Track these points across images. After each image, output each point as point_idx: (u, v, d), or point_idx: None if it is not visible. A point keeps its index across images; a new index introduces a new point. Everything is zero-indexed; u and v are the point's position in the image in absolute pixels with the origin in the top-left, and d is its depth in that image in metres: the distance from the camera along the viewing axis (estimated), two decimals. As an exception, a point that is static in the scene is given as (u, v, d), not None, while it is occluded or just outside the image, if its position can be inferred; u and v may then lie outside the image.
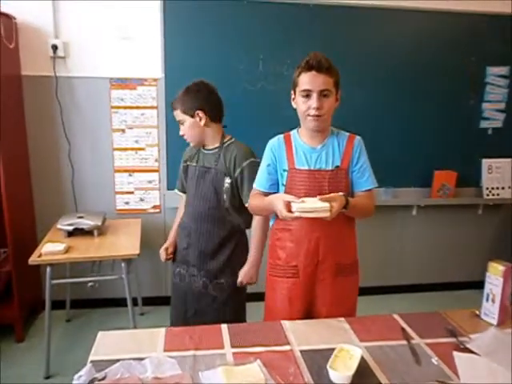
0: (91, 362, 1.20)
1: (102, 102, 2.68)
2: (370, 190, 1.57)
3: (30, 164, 2.70)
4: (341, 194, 1.40)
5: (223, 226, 1.82)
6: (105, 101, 2.68)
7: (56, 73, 2.58)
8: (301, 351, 1.29)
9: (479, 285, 3.29)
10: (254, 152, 1.83)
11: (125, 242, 2.30)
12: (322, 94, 1.45)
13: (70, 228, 2.29)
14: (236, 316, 1.85)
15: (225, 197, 1.80)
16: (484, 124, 3.13)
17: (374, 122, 2.97)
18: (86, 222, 2.31)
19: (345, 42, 2.83)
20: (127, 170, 2.80)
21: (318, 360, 1.23)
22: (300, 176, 1.53)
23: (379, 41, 2.90)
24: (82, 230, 2.30)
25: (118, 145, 2.75)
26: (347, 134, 1.60)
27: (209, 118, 1.81)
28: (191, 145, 1.92)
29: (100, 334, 1.36)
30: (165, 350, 1.27)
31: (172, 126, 2.77)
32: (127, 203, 2.84)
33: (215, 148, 1.84)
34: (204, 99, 1.80)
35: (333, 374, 1.13)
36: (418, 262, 3.34)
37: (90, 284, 2.16)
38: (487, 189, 3.19)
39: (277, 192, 1.58)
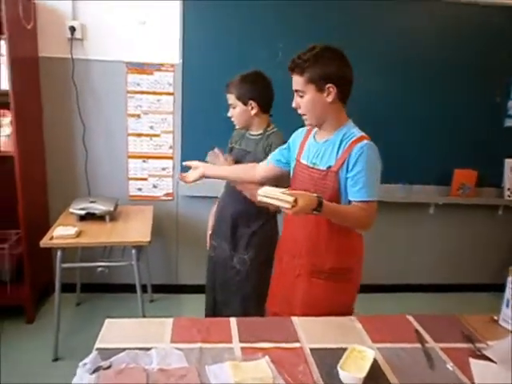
0: (97, 349, 1.19)
1: (118, 86, 2.65)
2: (364, 201, 1.40)
3: (45, 146, 2.69)
4: (312, 194, 1.30)
5: (253, 204, 1.86)
6: (121, 85, 2.65)
7: (73, 55, 2.56)
8: (311, 349, 1.26)
9: (495, 288, 3.29)
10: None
11: (136, 229, 2.29)
12: (298, 94, 1.46)
13: (82, 212, 2.29)
14: (256, 291, 1.92)
15: None
16: (509, 123, 3.02)
17: (395, 117, 2.89)
18: (98, 207, 2.30)
19: (365, 32, 2.74)
20: (141, 156, 2.78)
21: (329, 359, 1.19)
22: (300, 169, 1.54)
23: (402, 33, 2.79)
24: (93, 214, 2.29)
25: (133, 130, 2.73)
26: (358, 134, 1.44)
27: (260, 109, 1.89)
28: (236, 127, 2.03)
29: (107, 321, 1.34)
30: (172, 341, 1.24)
31: (188, 112, 2.77)
32: (140, 189, 2.82)
33: (258, 134, 1.94)
34: (259, 91, 1.89)
35: (343, 375, 1.09)
36: (433, 261, 3.26)
37: (99, 269, 2.16)
38: (509, 189, 3.08)
39: (280, 170, 1.66)
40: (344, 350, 1.19)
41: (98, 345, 1.22)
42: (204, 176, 1.79)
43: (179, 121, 2.72)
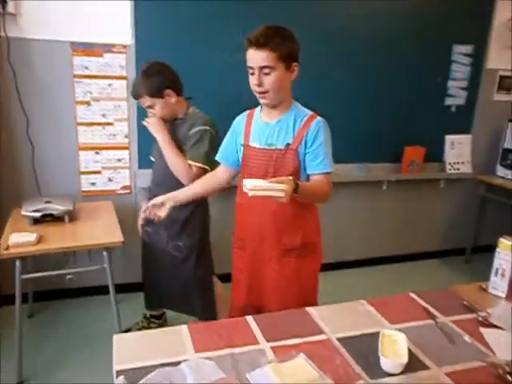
0: (118, 372, 1.05)
1: (63, 70, 2.35)
2: (324, 173, 1.49)
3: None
4: (290, 178, 1.31)
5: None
6: (66, 69, 2.35)
7: (6, 33, 2.19)
8: (338, 339, 1.24)
9: (437, 254, 3.59)
10: (211, 121, 1.92)
11: (103, 228, 2.08)
12: (263, 71, 1.40)
13: (38, 215, 2.01)
14: (196, 273, 2.03)
15: None
16: (449, 101, 3.25)
17: (347, 98, 2.95)
18: (56, 207, 2.04)
19: (320, 15, 2.73)
20: (93, 148, 2.52)
21: (359, 347, 1.19)
22: (252, 153, 1.53)
23: (352, 16, 2.83)
24: (51, 215, 2.03)
25: (83, 119, 2.45)
26: (309, 112, 1.52)
27: (176, 94, 1.90)
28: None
29: (115, 338, 1.20)
30: (196, 351, 1.15)
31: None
32: (93, 184, 2.57)
33: (180, 119, 1.95)
34: (168, 77, 1.89)
35: (386, 363, 1.09)
36: (385, 235, 3.44)
37: (68, 277, 1.93)
38: (449, 164, 3.34)
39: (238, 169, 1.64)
40: (369, 335, 1.20)
41: (116, 367, 1.08)
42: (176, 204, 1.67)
43: (134, 107, 2.50)
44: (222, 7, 2.50)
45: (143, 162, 2.52)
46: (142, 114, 2.46)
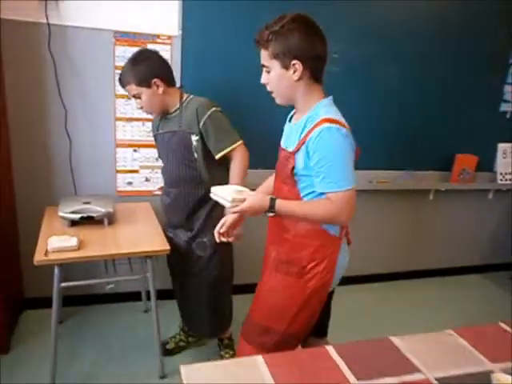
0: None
1: (104, 60, 2.19)
2: (330, 192, 1.27)
3: (10, 134, 2.17)
4: (268, 196, 1.30)
5: (201, 186, 1.82)
6: (107, 59, 2.19)
7: (48, 20, 2.03)
8: (437, 379, 1.06)
9: (480, 269, 3.39)
10: (214, 102, 1.80)
11: (145, 234, 1.91)
12: (265, 70, 1.34)
13: (77, 217, 1.85)
14: (221, 273, 1.92)
15: (196, 155, 1.78)
16: (504, 107, 3.03)
17: (398, 99, 2.76)
18: (96, 209, 1.89)
19: (371, 12, 2.53)
20: (132, 145, 2.36)
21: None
22: (279, 153, 1.47)
23: (402, 15, 2.62)
24: (89, 218, 1.87)
25: (122, 114, 2.29)
26: (322, 116, 1.28)
27: (165, 84, 1.77)
28: (153, 116, 1.92)
29: (183, 369, 1.03)
30: (282, 390, 0.98)
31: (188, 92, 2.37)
32: (130, 184, 2.41)
33: (176, 110, 1.82)
34: (157, 66, 1.77)
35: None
36: (427, 247, 3.25)
37: (109, 286, 1.77)
38: (501, 174, 3.13)
39: None
40: (472, 376, 1.02)
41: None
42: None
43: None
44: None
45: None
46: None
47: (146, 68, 1.73)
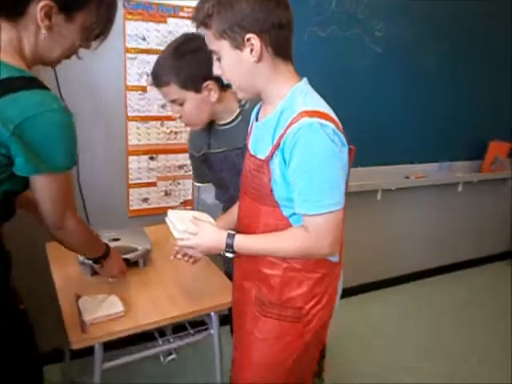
0: None
1: (112, 41, 1.59)
2: (307, 216, 0.95)
3: None
4: (225, 232, 1.02)
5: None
6: (116, 40, 1.63)
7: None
8: None
9: (504, 256, 3.31)
10: None
11: (195, 274, 1.44)
12: (216, 57, 0.99)
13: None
14: None
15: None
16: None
17: (430, 84, 2.50)
18: (131, 247, 1.38)
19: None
20: (148, 152, 1.83)
21: None
22: (246, 160, 1.10)
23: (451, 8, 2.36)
24: (126, 261, 1.36)
25: (136, 111, 1.75)
26: (299, 109, 0.92)
27: (219, 88, 1.25)
28: (194, 128, 1.39)
29: None
30: None
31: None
32: (146, 200, 1.89)
33: (237, 116, 1.33)
34: (211, 62, 1.05)
35: None
36: (456, 239, 3.08)
37: (170, 357, 1.30)
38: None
39: None
40: None
41: None
42: None
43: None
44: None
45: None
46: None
47: (195, 64, 1.21)
